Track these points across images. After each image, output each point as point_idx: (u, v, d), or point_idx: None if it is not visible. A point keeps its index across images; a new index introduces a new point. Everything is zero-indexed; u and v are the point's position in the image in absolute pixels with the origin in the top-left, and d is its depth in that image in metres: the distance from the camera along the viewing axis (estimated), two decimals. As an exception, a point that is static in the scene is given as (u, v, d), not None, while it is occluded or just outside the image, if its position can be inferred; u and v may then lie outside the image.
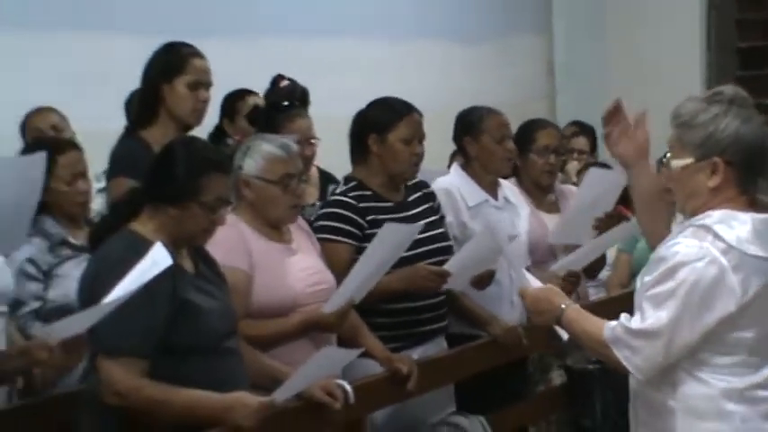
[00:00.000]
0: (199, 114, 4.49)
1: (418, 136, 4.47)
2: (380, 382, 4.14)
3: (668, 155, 3.23)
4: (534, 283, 3.51)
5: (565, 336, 3.44)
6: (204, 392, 3.42)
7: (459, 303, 4.63)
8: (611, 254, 5.65)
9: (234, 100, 5.51)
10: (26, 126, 5.53)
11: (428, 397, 4.36)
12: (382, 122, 4.43)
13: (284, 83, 5.32)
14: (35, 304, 4.22)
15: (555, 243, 5.00)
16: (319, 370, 3.67)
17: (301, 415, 3.69)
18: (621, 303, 4.35)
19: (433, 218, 4.57)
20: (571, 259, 4.56)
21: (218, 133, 5.43)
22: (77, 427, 3.51)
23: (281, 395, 3.55)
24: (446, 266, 4.37)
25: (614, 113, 3.57)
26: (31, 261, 4.24)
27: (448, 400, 4.57)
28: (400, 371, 4.14)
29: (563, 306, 3.32)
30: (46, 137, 5.12)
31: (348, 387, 3.81)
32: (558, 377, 5.15)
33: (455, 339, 4.64)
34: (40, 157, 4.00)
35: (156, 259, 3.21)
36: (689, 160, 3.15)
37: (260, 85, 5.57)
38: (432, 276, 4.34)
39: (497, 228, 4.23)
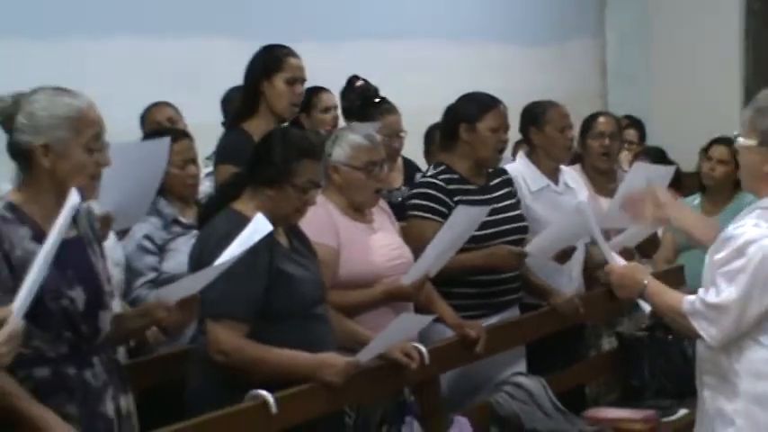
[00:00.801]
0: (294, 107, 4.49)
1: (503, 126, 4.46)
2: (452, 345, 4.13)
3: (737, 133, 3.21)
4: (619, 260, 3.48)
5: (647, 308, 3.44)
6: (297, 353, 3.43)
7: (524, 277, 4.58)
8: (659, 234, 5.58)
9: (309, 96, 5.50)
10: (145, 118, 5.57)
11: (495, 359, 4.34)
12: (473, 113, 4.41)
13: (359, 83, 5.34)
14: (151, 275, 4.24)
15: (610, 226, 4.94)
16: (398, 334, 3.67)
17: (382, 373, 3.69)
18: (666, 277, 4.31)
19: (511, 201, 4.55)
20: (624, 237, 4.50)
21: (295, 126, 5.43)
22: (188, 381, 3.53)
23: (365, 356, 3.55)
24: (527, 248, 4.37)
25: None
26: (147, 237, 4.26)
27: (516, 362, 4.53)
28: (469, 335, 4.13)
29: (645, 282, 3.32)
30: (162, 127, 5.15)
31: (423, 349, 3.80)
32: (607, 343, 5.11)
33: (526, 309, 4.62)
34: (164, 142, 4.02)
35: (258, 227, 3.21)
36: (753, 142, 3.13)
37: (341, 84, 5.60)
38: (511, 256, 4.32)
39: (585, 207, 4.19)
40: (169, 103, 5.64)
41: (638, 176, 4.87)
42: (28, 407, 2.81)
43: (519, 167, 4.85)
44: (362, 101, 5.23)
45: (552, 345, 4.65)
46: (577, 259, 4.81)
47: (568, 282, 4.78)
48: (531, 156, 4.90)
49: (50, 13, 5.85)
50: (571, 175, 5.02)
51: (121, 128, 4.12)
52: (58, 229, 2.59)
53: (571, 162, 5.12)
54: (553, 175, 4.88)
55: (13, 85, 2.99)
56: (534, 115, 4.85)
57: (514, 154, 5.49)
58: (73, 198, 2.69)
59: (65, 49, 5.78)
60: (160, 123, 5.39)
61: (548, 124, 4.80)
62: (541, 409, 4.26)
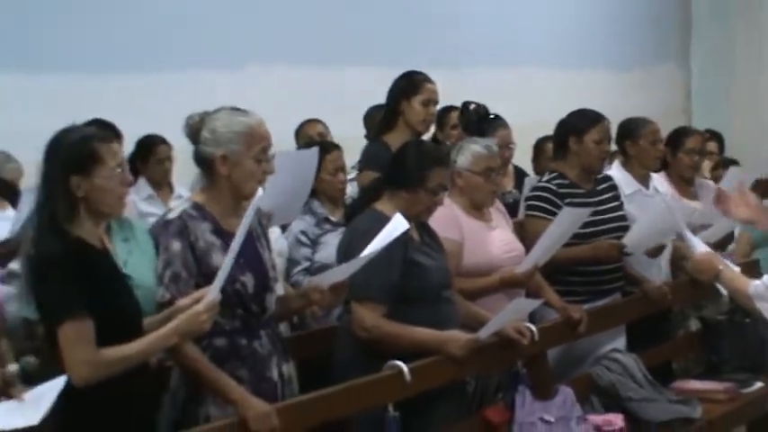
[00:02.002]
0: (428, 125, 4.50)
1: (607, 138, 4.38)
2: (557, 325, 4.06)
3: None
4: (701, 247, 3.43)
5: (725, 291, 3.39)
6: (427, 330, 3.43)
7: (622, 269, 4.46)
8: (735, 231, 5.43)
9: (442, 114, 5.50)
10: (299, 133, 5.64)
11: (595, 337, 4.26)
12: (580, 127, 4.33)
13: (472, 105, 5.33)
14: (306, 264, 4.27)
15: (698, 223, 4.83)
16: (512, 315, 3.63)
17: (498, 348, 3.65)
18: (743, 270, 4.18)
19: (615, 203, 4.46)
20: (707, 233, 4.40)
21: (434, 140, 5.44)
22: (335, 353, 3.55)
23: (484, 333, 3.52)
24: (624, 240, 4.27)
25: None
26: (303, 232, 4.30)
27: (615, 339, 4.43)
28: (573, 317, 4.06)
29: (720, 267, 3.29)
30: (315, 140, 5.19)
31: (534, 328, 3.75)
32: (694, 325, 4.99)
33: (628, 296, 4.52)
34: (313, 152, 4.06)
35: (397, 225, 3.22)
36: None
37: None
38: (611, 248, 4.25)
39: (673, 204, 4.09)
40: (319, 119, 5.69)
41: (731, 180, 4.81)
42: (211, 371, 2.87)
43: (615, 174, 4.75)
44: (478, 119, 5.21)
45: (643, 325, 4.53)
46: (665, 253, 4.71)
47: (658, 272, 4.68)
48: (625, 164, 4.81)
49: (228, 48, 6.06)
50: (659, 180, 4.92)
51: (281, 141, 4.19)
52: (247, 222, 2.70)
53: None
54: (644, 181, 4.78)
55: (202, 106, 3.06)
56: (630, 130, 4.76)
57: (610, 163, 5.39)
58: (258, 198, 2.80)
59: (240, 76, 5.96)
60: (312, 137, 5.44)
61: (642, 138, 4.71)
62: (635, 381, 4.17)
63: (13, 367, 2.85)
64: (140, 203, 5.22)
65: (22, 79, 5.33)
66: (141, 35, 5.76)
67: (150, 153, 5.36)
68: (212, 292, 2.71)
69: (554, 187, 4.30)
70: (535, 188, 4.43)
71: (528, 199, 4.40)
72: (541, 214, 4.23)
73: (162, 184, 5.42)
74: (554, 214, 4.16)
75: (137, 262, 3.15)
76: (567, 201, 4.22)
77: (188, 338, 2.76)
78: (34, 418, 2.56)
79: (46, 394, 2.59)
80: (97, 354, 2.61)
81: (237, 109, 3.02)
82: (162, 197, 5.33)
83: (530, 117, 6.37)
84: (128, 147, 4.72)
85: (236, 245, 2.69)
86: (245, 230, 2.70)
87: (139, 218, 4.72)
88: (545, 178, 4.43)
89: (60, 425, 2.66)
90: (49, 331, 2.66)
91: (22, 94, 5.30)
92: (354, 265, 3.15)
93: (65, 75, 5.45)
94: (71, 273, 2.61)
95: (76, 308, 2.59)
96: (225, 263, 2.72)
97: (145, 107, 5.54)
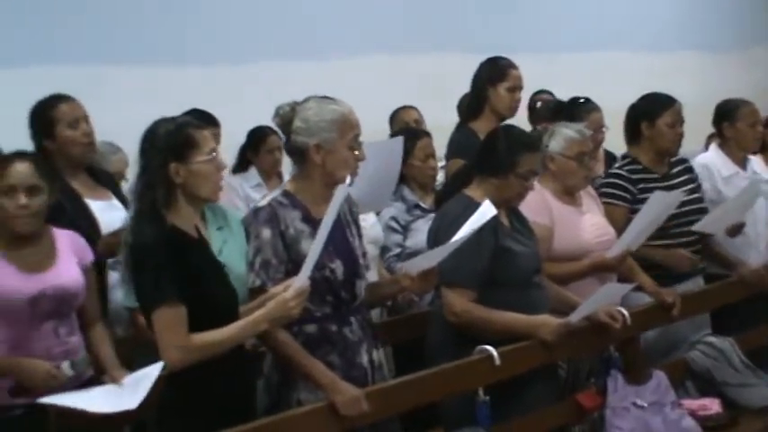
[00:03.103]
0: (514, 110, 4.41)
1: (679, 121, 4.23)
2: (650, 309, 3.94)
3: None
4: None
5: None
6: (517, 315, 3.35)
7: (713, 250, 4.35)
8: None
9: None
10: (393, 120, 5.61)
11: (688, 321, 4.13)
12: (652, 111, 4.21)
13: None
14: (397, 250, 4.23)
15: None
16: (603, 299, 3.53)
17: (590, 333, 3.56)
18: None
19: (691, 186, 4.30)
20: None
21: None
22: (428, 337, 3.50)
23: (575, 318, 3.43)
24: (696, 226, 4.13)
25: None
26: (393, 218, 4.26)
27: (705, 324, 4.30)
28: (666, 301, 3.94)
29: None
30: (409, 127, 5.15)
31: (626, 312, 3.63)
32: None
33: (711, 278, 4.37)
34: (398, 141, 4.03)
35: (485, 211, 3.16)
36: None
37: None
38: (683, 260, 4.13)
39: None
40: (414, 106, 5.66)
41: None
42: (302, 356, 2.86)
43: (712, 156, 4.64)
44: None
45: (737, 308, 4.37)
46: (764, 234, 4.53)
47: (756, 254, 4.51)
48: (722, 147, 4.66)
49: (314, 37, 6.06)
50: (758, 162, 4.76)
51: (373, 129, 4.15)
52: (334, 209, 2.67)
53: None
54: (742, 163, 4.64)
55: (288, 98, 3.03)
56: (727, 111, 4.63)
57: (707, 146, 5.21)
58: (344, 186, 2.77)
59: (328, 66, 5.97)
60: (407, 124, 5.41)
61: (740, 120, 4.57)
62: (731, 365, 4.04)
63: (65, 365, 2.86)
64: (248, 190, 5.29)
65: (127, 71, 5.43)
66: (231, 27, 5.83)
67: (261, 143, 5.44)
68: (300, 279, 2.69)
69: (626, 173, 4.19)
70: (608, 175, 4.33)
71: (601, 185, 4.29)
72: (614, 201, 4.13)
73: (271, 174, 5.48)
74: (625, 200, 4.10)
75: (231, 250, 3.14)
76: (641, 186, 4.13)
77: (277, 325, 2.75)
78: (132, 403, 2.60)
79: (143, 380, 2.64)
80: (189, 338, 2.62)
81: (326, 97, 3.00)
82: (270, 186, 5.36)
83: (623, 101, 6.23)
84: (224, 137, 4.76)
85: (322, 232, 2.66)
86: (332, 218, 2.67)
87: (246, 202, 4.77)
88: (617, 164, 4.33)
89: (157, 407, 2.69)
90: (148, 317, 2.68)
91: (128, 86, 5.39)
92: (444, 250, 3.10)
93: (166, 67, 5.55)
94: (164, 260, 2.62)
95: (169, 294, 2.60)
96: (312, 250, 2.69)
97: (238, 98, 5.59)
